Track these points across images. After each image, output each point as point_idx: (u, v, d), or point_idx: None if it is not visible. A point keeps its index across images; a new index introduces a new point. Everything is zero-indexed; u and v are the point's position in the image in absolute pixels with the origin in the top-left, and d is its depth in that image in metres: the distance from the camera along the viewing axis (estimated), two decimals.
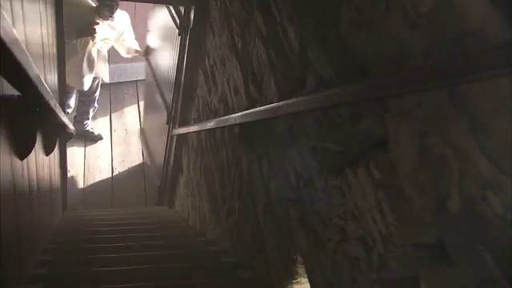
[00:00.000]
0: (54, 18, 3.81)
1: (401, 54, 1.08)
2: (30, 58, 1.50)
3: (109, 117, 6.58)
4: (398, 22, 1.08)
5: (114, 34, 5.18)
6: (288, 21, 1.77)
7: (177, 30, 3.81)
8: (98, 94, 5.76)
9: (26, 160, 1.91)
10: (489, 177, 0.87)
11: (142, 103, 6.76)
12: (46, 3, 3.15)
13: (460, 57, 0.85)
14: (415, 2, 1.02)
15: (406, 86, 1.02)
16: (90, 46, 4.95)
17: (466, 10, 0.87)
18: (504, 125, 0.83)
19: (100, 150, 6.17)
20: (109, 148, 6.22)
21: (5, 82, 1.47)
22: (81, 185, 5.84)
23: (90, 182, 5.87)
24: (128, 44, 5.43)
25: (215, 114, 3.16)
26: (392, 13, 1.11)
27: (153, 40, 5.31)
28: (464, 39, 0.88)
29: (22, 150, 1.83)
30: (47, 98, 1.93)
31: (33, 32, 2.42)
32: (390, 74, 1.12)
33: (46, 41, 3.03)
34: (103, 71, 5.40)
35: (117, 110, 6.72)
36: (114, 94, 6.81)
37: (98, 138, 6.24)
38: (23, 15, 2.03)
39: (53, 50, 3.61)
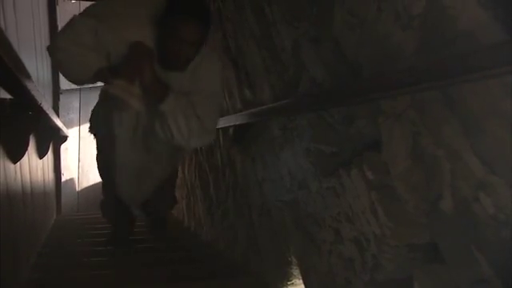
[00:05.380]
0: (47, 18, 3.79)
1: (393, 56, 1.09)
2: (22, 62, 1.49)
3: None
4: (389, 23, 1.09)
5: None
6: (281, 22, 1.77)
7: None
8: None
9: (18, 163, 1.90)
10: (481, 177, 0.87)
11: None
12: (39, 4, 3.14)
13: (451, 58, 0.85)
14: (407, 4, 1.02)
15: (398, 87, 1.02)
16: None
17: (457, 11, 0.88)
18: (495, 126, 0.83)
19: (94, 152, 6.15)
20: None
21: None
22: (75, 188, 5.82)
23: (84, 184, 5.85)
24: None
25: None
26: (384, 14, 1.11)
27: None
28: (455, 40, 0.89)
29: (15, 154, 1.82)
30: (40, 101, 1.92)
31: (25, 34, 2.41)
32: (382, 75, 1.13)
33: (38, 41, 3.02)
34: None
35: None
36: None
37: None
38: (15, 18, 2.02)
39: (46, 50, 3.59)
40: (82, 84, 2.05)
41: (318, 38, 1.48)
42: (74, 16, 1.79)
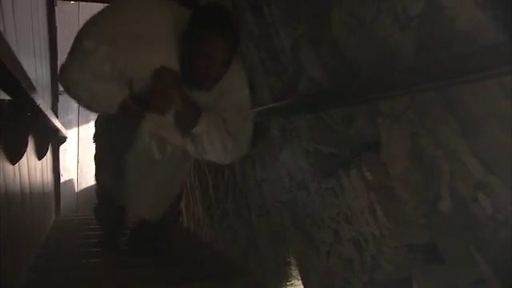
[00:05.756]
0: (46, 19, 3.80)
1: (392, 56, 1.09)
2: (21, 63, 1.49)
3: None
4: (388, 24, 1.09)
5: None
6: (280, 23, 1.77)
7: None
8: None
9: (17, 164, 1.90)
10: (479, 178, 0.87)
11: None
12: (37, 6, 3.14)
13: (450, 59, 0.86)
14: (405, 5, 1.02)
15: (397, 88, 1.02)
16: None
17: (455, 12, 0.88)
18: (493, 126, 0.83)
19: (93, 153, 6.14)
20: None
21: None
22: (74, 188, 5.81)
23: (83, 185, 5.85)
24: None
25: None
26: (383, 15, 1.11)
27: None
28: (454, 41, 0.89)
29: (14, 155, 1.82)
30: (38, 102, 1.92)
31: (24, 35, 2.41)
32: (381, 76, 1.13)
33: (37, 43, 3.02)
34: None
35: None
36: None
37: None
38: (14, 19, 2.02)
39: (45, 51, 3.60)
40: (107, 115, 1.85)
41: (317, 39, 1.48)
42: (82, 38, 1.56)
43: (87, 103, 1.70)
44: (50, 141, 3.29)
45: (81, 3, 5.51)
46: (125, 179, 1.97)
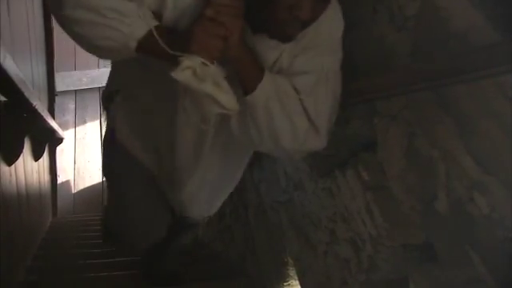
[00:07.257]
0: (41, 19, 3.79)
1: (388, 57, 1.09)
2: (17, 63, 1.49)
3: (99, 121, 6.55)
4: (384, 24, 1.09)
5: None
6: None
7: None
8: None
9: (13, 166, 1.90)
10: (475, 177, 0.87)
11: None
12: (33, 6, 3.13)
13: (445, 59, 0.86)
14: (401, 5, 1.02)
15: (393, 88, 1.02)
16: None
17: (450, 12, 0.88)
18: (489, 126, 0.83)
19: (90, 154, 6.13)
20: (99, 152, 6.19)
21: None
22: (71, 190, 5.80)
23: (81, 186, 5.83)
24: None
25: None
26: (379, 15, 1.11)
27: None
28: (449, 41, 0.89)
29: (10, 156, 1.81)
30: (35, 102, 1.91)
31: (20, 35, 2.40)
32: (377, 76, 1.13)
33: (33, 42, 3.01)
34: None
35: None
36: None
37: None
38: (9, 19, 2.02)
39: (41, 51, 3.59)
40: (118, 59, 1.17)
41: None
42: None
43: (91, 41, 1.00)
44: (47, 142, 3.28)
45: None
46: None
